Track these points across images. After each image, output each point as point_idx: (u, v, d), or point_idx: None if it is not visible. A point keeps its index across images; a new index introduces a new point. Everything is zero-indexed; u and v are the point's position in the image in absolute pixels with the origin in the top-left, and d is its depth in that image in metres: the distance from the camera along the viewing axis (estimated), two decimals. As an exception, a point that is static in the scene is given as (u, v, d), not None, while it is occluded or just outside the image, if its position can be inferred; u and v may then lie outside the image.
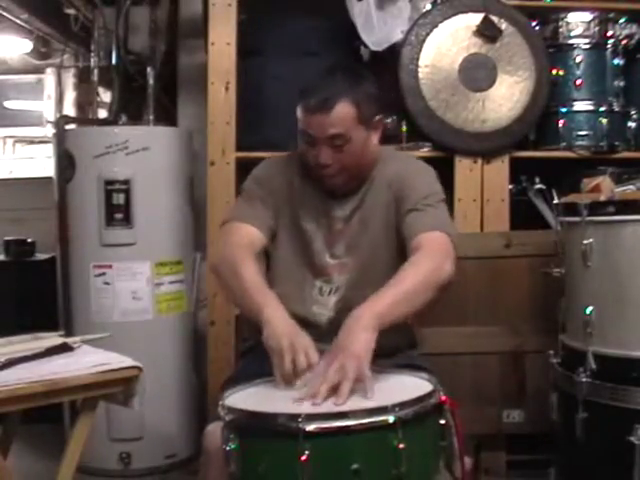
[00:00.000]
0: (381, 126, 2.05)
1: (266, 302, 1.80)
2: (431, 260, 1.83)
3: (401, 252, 1.97)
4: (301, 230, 2.05)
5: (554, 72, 3.04)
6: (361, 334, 1.65)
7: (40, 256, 4.17)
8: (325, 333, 1.86)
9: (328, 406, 1.49)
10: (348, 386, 1.55)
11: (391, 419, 1.39)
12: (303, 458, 1.35)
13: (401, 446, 1.39)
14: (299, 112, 1.96)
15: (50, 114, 5.78)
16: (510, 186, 3.07)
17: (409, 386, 1.58)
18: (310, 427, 1.37)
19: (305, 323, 1.86)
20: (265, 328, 1.74)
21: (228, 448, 1.45)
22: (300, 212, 2.06)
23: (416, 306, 1.79)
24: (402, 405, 1.42)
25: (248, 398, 1.59)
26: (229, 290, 1.98)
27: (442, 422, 1.50)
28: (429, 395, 1.49)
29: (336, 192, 2.04)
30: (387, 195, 2.02)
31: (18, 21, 4.27)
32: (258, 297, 1.82)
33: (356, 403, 1.49)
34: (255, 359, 1.92)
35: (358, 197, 2.04)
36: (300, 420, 1.38)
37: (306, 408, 1.46)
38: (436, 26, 2.98)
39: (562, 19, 3.06)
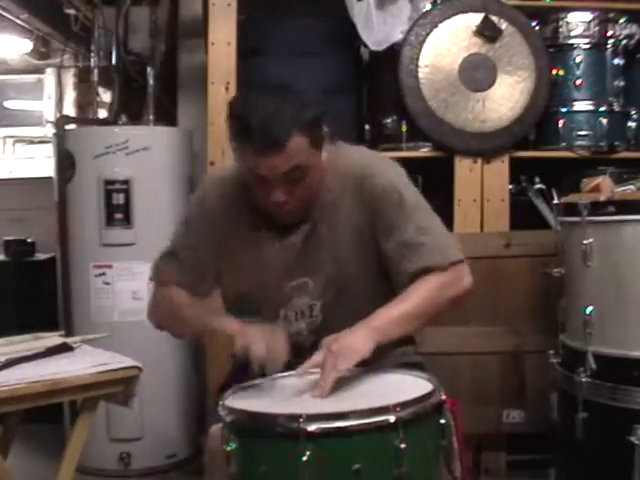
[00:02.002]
0: (325, 138, 1.80)
1: (212, 318, 1.82)
2: (443, 277, 1.77)
3: (376, 264, 1.85)
4: (255, 257, 1.87)
5: (554, 72, 3.04)
6: (360, 336, 1.66)
7: (40, 256, 4.18)
8: (306, 351, 1.79)
9: (329, 406, 1.48)
10: (333, 377, 1.57)
11: (392, 419, 1.39)
12: (304, 459, 1.35)
13: (402, 446, 1.38)
14: (240, 152, 1.74)
15: (50, 114, 5.77)
16: (510, 186, 3.07)
17: (409, 386, 1.58)
18: (311, 428, 1.37)
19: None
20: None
21: (228, 449, 1.45)
22: (251, 238, 1.88)
23: (422, 323, 1.78)
24: (403, 405, 1.42)
25: (248, 398, 1.59)
26: (175, 328, 1.95)
27: (442, 422, 1.50)
28: (429, 395, 1.49)
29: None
30: (354, 196, 1.83)
31: (18, 21, 4.27)
32: (203, 319, 1.84)
33: (357, 403, 1.48)
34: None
35: (314, 212, 1.85)
36: (301, 421, 1.37)
37: (307, 408, 1.46)
38: (436, 26, 2.98)
39: (562, 19, 3.06)
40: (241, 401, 1.56)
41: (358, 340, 1.65)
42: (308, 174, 1.74)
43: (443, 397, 1.50)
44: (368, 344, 1.64)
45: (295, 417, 1.39)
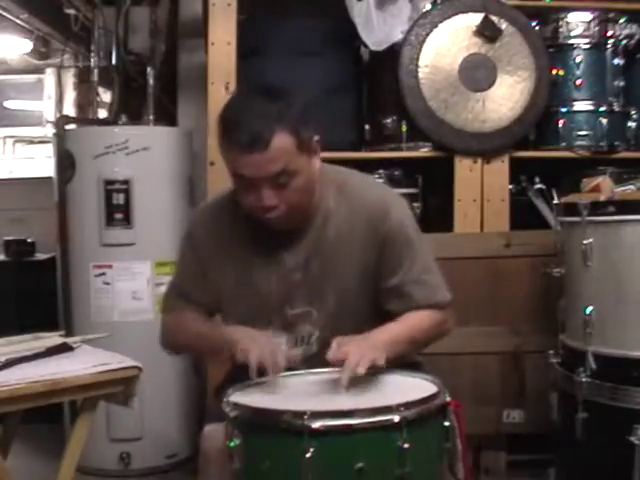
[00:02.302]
0: (319, 148, 1.78)
1: (222, 330, 1.81)
2: (439, 315, 1.86)
3: (376, 299, 1.87)
4: (253, 285, 1.85)
5: (554, 72, 3.04)
6: (376, 343, 1.68)
7: (40, 256, 4.18)
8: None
9: (333, 404, 1.49)
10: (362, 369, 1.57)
11: (396, 418, 1.39)
12: (307, 456, 1.35)
13: (405, 446, 1.38)
14: (226, 152, 1.71)
15: (50, 114, 5.78)
16: (510, 186, 3.07)
17: (414, 387, 1.58)
18: (315, 425, 1.37)
19: None
20: (232, 346, 1.71)
21: (232, 444, 1.45)
22: (247, 265, 1.85)
23: (414, 350, 1.86)
24: (407, 405, 1.42)
25: (253, 394, 1.59)
26: (188, 348, 2.04)
27: (446, 424, 1.50)
28: (434, 396, 1.49)
29: (281, 231, 1.82)
30: (367, 230, 1.83)
31: (18, 21, 4.27)
32: (214, 332, 1.83)
33: (361, 402, 1.49)
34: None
35: (312, 236, 1.83)
36: (305, 417, 1.37)
37: (311, 405, 1.46)
38: (436, 26, 2.98)
39: (562, 19, 3.06)
40: (245, 397, 1.56)
41: (375, 345, 1.66)
42: (295, 178, 1.70)
43: (447, 399, 1.50)
44: (384, 352, 1.65)
45: (299, 414, 1.39)
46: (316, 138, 1.76)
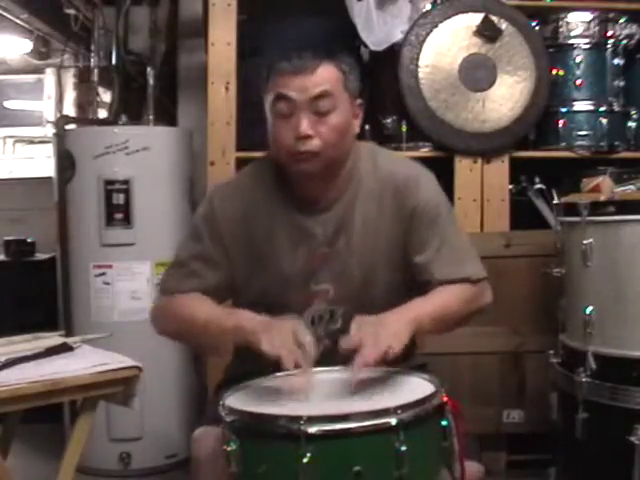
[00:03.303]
0: (361, 113, 1.83)
1: (234, 317, 1.69)
2: (472, 289, 1.82)
3: (403, 273, 1.84)
4: (276, 260, 1.81)
5: (554, 72, 3.04)
6: (397, 323, 1.62)
7: (40, 256, 4.18)
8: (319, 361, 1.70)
9: (330, 408, 1.48)
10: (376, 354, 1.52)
11: (393, 421, 1.38)
12: (304, 460, 1.35)
13: (403, 448, 1.37)
14: (274, 78, 1.74)
15: (50, 114, 5.78)
16: (510, 186, 3.07)
17: (411, 387, 1.57)
18: (312, 429, 1.36)
19: None
20: (248, 337, 1.63)
21: (229, 449, 1.45)
22: (271, 240, 1.82)
23: (443, 328, 1.79)
24: (404, 407, 1.41)
25: (250, 398, 1.59)
26: (183, 336, 1.90)
27: (444, 423, 1.49)
28: (431, 397, 1.48)
29: (310, 190, 1.81)
30: (394, 204, 1.82)
31: (18, 21, 4.27)
32: (224, 320, 1.70)
33: (358, 405, 1.48)
34: (246, 358, 1.90)
35: (342, 209, 1.82)
36: (302, 422, 1.37)
37: (308, 410, 1.45)
38: (436, 26, 2.98)
39: (562, 19, 3.07)
40: (242, 401, 1.56)
41: (396, 325, 1.61)
42: (335, 112, 1.73)
43: (445, 398, 1.50)
44: (406, 332, 1.61)
45: (296, 418, 1.38)
46: (359, 101, 1.82)
